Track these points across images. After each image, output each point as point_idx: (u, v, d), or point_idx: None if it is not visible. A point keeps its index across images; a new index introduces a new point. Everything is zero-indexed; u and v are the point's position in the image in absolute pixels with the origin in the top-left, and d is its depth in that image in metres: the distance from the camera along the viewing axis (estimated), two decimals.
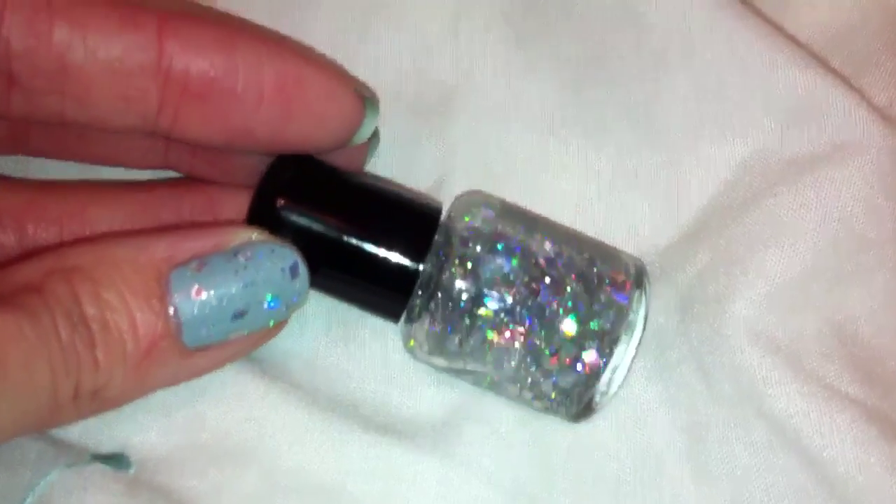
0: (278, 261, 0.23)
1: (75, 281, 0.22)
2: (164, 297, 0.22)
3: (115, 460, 0.27)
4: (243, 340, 0.24)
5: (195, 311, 0.22)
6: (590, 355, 0.25)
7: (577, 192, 0.29)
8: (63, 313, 0.21)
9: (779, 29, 0.29)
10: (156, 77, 0.23)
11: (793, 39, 0.29)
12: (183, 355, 0.23)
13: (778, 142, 0.28)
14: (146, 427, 0.26)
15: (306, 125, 0.25)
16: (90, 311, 0.22)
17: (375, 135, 0.28)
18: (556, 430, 0.28)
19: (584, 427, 0.28)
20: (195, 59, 0.23)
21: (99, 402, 0.23)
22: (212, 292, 0.22)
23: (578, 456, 0.28)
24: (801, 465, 0.26)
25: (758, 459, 0.27)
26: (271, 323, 0.24)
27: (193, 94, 0.23)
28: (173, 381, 0.24)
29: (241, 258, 0.23)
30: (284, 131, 0.24)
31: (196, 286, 0.22)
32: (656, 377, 0.28)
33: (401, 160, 0.29)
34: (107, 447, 0.26)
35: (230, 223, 0.24)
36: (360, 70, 0.28)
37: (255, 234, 0.23)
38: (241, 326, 0.23)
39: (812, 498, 0.26)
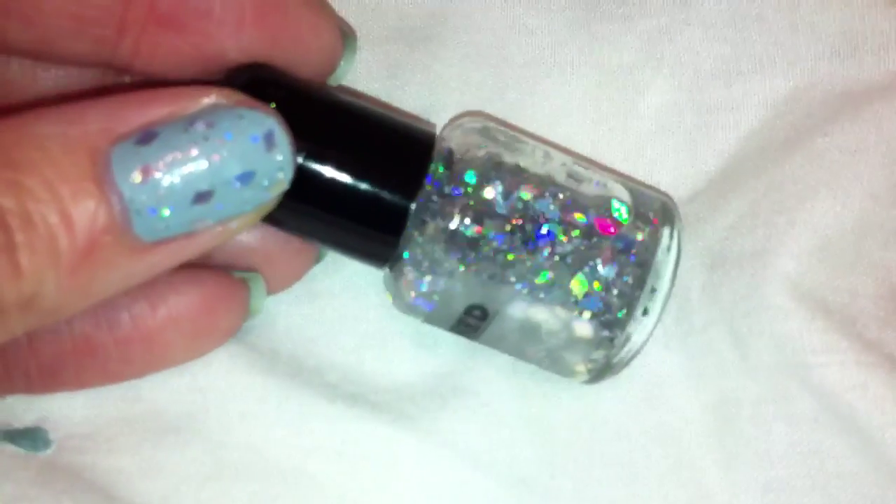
0: (249, 127, 0.20)
1: None
2: (102, 180, 0.19)
3: (31, 438, 0.25)
4: (213, 230, 0.21)
5: (145, 195, 0.19)
6: (614, 295, 0.24)
7: (586, 138, 0.28)
8: None
9: None
10: None
11: None
12: (134, 252, 0.20)
13: (828, 73, 0.27)
14: (70, 397, 0.25)
15: (286, 56, 0.23)
16: (6, 203, 0.18)
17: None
18: (558, 405, 0.27)
19: (589, 402, 0.27)
20: None
21: (33, 314, 0.19)
22: (165, 171, 0.19)
23: (583, 435, 0.26)
24: (854, 447, 0.25)
25: (800, 440, 0.25)
26: (248, 208, 0.21)
27: (162, 17, 0.22)
28: (127, 282, 0.20)
29: (200, 126, 0.19)
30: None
31: (144, 164, 0.19)
32: (676, 345, 0.27)
33: (380, 90, 0.28)
34: (23, 421, 0.25)
35: (188, 85, 0.21)
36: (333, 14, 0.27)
37: (219, 95, 0.20)
38: (207, 213, 0.20)
39: (865, 485, 0.25)
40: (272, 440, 0.25)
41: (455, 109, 0.28)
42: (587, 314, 0.24)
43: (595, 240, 0.24)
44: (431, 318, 0.25)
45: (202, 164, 0.19)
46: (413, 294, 0.24)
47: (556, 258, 0.23)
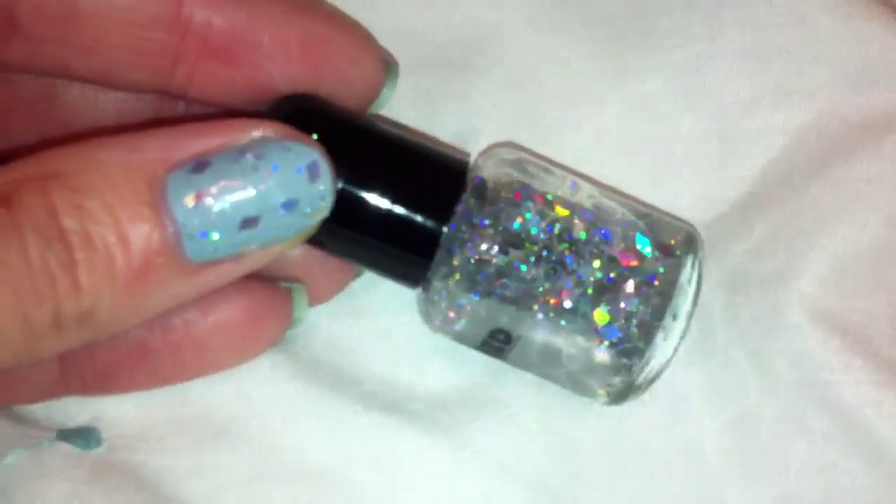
0: (294, 159, 0.20)
1: (51, 189, 0.19)
2: (157, 205, 0.19)
3: (84, 437, 0.25)
4: (257, 253, 0.21)
5: (196, 220, 0.20)
6: (634, 325, 0.24)
7: (615, 165, 0.28)
8: (34, 228, 0.19)
9: None
10: (174, 29, 0.22)
11: None
12: (185, 272, 0.20)
13: (848, 103, 0.27)
14: (122, 399, 0.25)
15: (330, 86, 0.24)
16: (69, 224, 0.19)
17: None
18: (583, 420, 0.26)
19: (613, 418, 0.26)
20: (218, 12, 0.22)
21: (89, 327, 0.20)
22: (216, 197, 0.20)
23: (607, 449, 0.26)
24: (869, 463, 0.25)
25: (817, 456, 0.25)
26: (291, 233, 0.21)
27: (214, 50, 0.22)
28: (177, 301, 0.21)
29: (250, 157, 0.20)
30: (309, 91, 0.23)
31: (197, 191, 0.20)
32: (698, 363, 0.27)
33: (418, 118, 0.28)
34: (77, 420, 0.25)
35: (240, 118, 0.22)
36: (380, 18, 0.27)
37: (270, 130, 0.21)
38: (253, 238, 0.20)
39: (880, 500, 0.25)
40: (312, 446, 0.25)
41: (489, 136, 0.28)
42: (606, 343, 0.24)
43: (618, 272, 0.24)
44: (459, 338, 0.25)
45: (250, 192, 0.20)
46: (441, 316, 0.25)
47: (579, 289, 0.24)
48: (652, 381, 0.25)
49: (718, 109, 0.27)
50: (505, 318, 0.24)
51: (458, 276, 0.24)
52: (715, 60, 0.27)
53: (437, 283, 0.24)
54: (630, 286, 0.24)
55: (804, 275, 0.25)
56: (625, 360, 0.24)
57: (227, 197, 0.20)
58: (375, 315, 0.27)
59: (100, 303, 0.19)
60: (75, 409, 0.25)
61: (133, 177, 0.19)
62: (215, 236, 0.20)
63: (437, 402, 0.26)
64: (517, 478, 0.26)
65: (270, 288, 0.25)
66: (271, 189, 0.20)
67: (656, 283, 0.24)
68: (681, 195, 0.28)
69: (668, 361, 0.25)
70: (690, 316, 0.24)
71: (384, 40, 0.27)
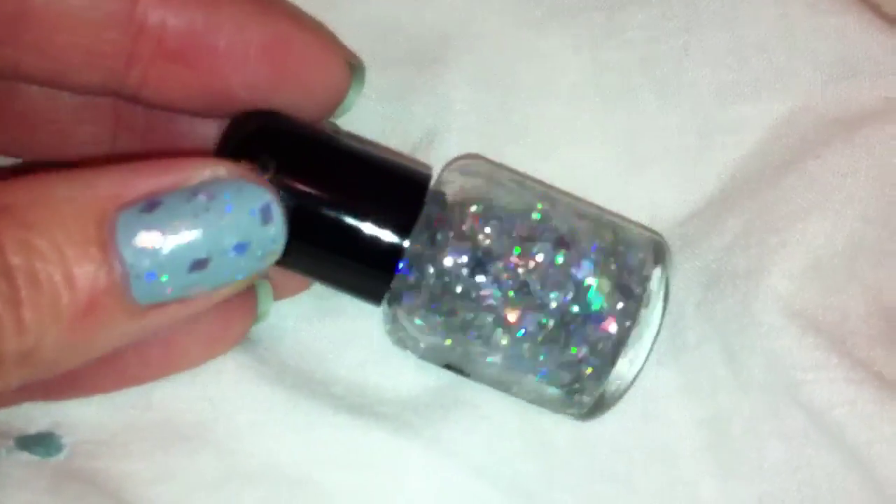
0: (247, 201, 0.20)
1: (0, 226, 0.19)
2: (106, 244, 0.19)
3: (44, 444, 0.25)
4: (206, 295, 0.21)
5: (145, 261, 0.19)
6: (603, 334, 0.23)
7: (589, 159, 0.28)
8: None
9: None
10: (127, 29, 0.21)
11: None
12: (131, 314, 0.20)
13: (821, 97, 0.26)
14: (83, 403, 0.25)
15: (292, 92, 0.23)
16: (15, 260, 0.19)
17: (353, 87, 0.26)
18: (556, 420, 0.26)
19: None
20: (173, 12, 0.22)
21: (31, 366, 0.20)
22: (165, 238, 0.20)
23: (582, 450, 0.26)
24: (843, 461, 0.24)
25: (791, 455, 0.25)
26: (241, 276, 0.21)
27: (169, 52, 0.22)
28: (123, 341, 0.21)
29: (201, 197, 0.20)
30: (268, 97, 0.23)
31: (146, 231, 0.20)
32: (671, 361, 0.26)
33: (386, 113, 0.28)
34: (38, 426, 0.25)
35: (194, 156, 0.21)
36: (351, 12, 0.27)
37: (223, 170, 0.21)
38: (203, 280, 0.20)
39: (854, 500, 0.25)
40: (280, 449, 0.25)
41: (461, 131, 0.28)
42: (554, 388, 0.24)
43: (571, 316, 0.23)
44: (424, 357, 0.25)
45: (201, 234, 0.20)
46: (402, 336, 0.25)
47: (532, 328, 0.23)
48: (623, 393, 0.25)
49: (695, 103, 0.27)
50: (454, 356, 0.24)
51: (418, 294, 0.24)
52: (691, 54, 0.27)
53: (397, 302, 0.24)
54: (583, 332, 0.23)
55: (777, 271, 0.25)
56: (577, 397, 0.24)
57: (178, 238, 0.20)
58: (343, 316, 0.27)
59: (43, 341, 0.19)
60: (36, 415, 0.25)
61: (83, 214, 0.19)
62: (164, 278, 0.20)
63: (407, 404, 0.26)
64: (490, 479, 0.25)
65: None
66: (223, 231, 0.20)
67: (611, 329, 0.23)
68: (656, 190, 0.28)
69: (636, 376, 0.25)
70: (659, 327, 0.24)
71: (354, 34, 0.27)
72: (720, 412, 0.26)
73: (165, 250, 0.20)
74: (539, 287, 0.23)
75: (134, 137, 0.26)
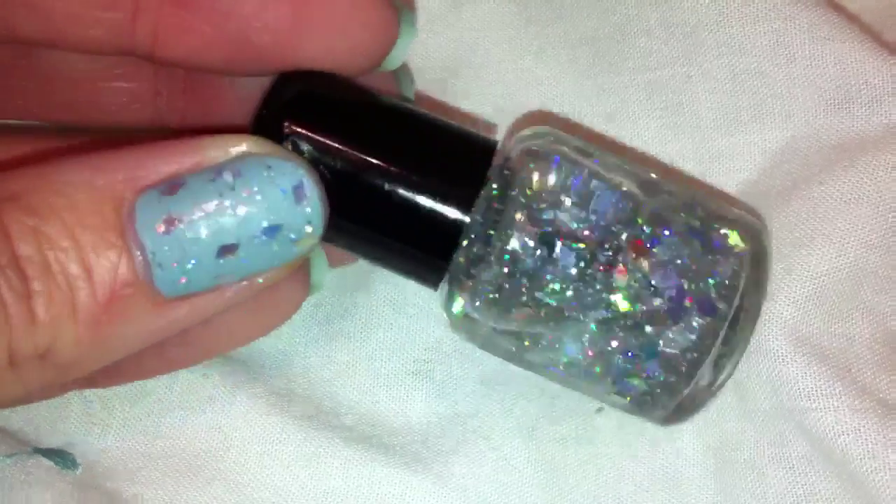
0: (278, 179, 0.18)
1: (5, 211, 0.17)
2: (125, 231, 0.18)
3: (61, 456, 0.25)
4: (238, 286, 0.19)
5: (168, 247, 0.18)
6: (690, 329, 0.21)
7: None
8: None
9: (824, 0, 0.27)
10: None
11: (839, 10, 0.27)
12: (156, 306, 0.18)
13: (823, 124, 0.26)
14: (93, 429, 0.25)
15: (324, 37, 0.21)
16: (24, 250, 0.17)
17: (407, 72, 0.24)
18: (565, 448, 0.26)
19: (595, 445, 0.26)
20: None
21: (52, 368, 0.18)
22: (189, 222, 0.18)
23: (590, 477, 0.26)
24: (846, 489, 0.24)
25: (795, 483, 0.25)
26: (276, 263, 0.19)
27: None
28: (150, 339, 0.19)
29: (226, 176, 0.18)
30: (297, 44, 0.20)
31: (168, 215, 0.18)
32: None
33: None
34: (49, 444, 0.25)
35: (217, 134, 0.19)
36: None
37: (247, 145, 0.18)
38: (232, 268, 0.18)
39: None
40: (290, 480, 0.25)
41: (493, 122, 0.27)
42: (628, 398, 0.22)
43: (651, 320, 0.21)
44: (484, 348, 0.23)
45: (228, 216, 0.18)
46: (463, 318, 0.22)
47: (604, 336, 0.21)
48: (706, 402, 0.23)
49: (696, 129, 0.27)
50: (514, 356, 0.22)
51: (482, 275, 0.21)
52: (692, 81, 0.27)
53: (461, 284, 0.21)
54: (660, 344, 0.21)
55: (782, 298, 0.25)
56: (648, 408, 0.22)
57: (202, 222, 0.18)
58: (352, 340, 0.27)
59: (60, 340, 0.17)
60: (45, 433, 0.25)
61: (98, 199, 0.17)
62: (189, 266, 0.18)
63: (416, 435, 0.26)
64: None
65: None
66: (251, 213, 0.18)
67: (689, 346, 0.21)
68: None
69: (725, 380, 0.22)
70: (749, 335, 0.22)
71: None
72: (727, 439, 0.26)
73: (189, 235, 0.18)
74: (612, 289, 0.21)
75: (175, 95, 0.23)
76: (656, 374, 0.21)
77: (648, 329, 0.21)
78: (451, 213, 0.20)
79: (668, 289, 0.21)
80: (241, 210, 0.18)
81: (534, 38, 0.28)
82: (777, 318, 0.25)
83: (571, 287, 0.21)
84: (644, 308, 0.21)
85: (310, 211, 0.18)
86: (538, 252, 0.20)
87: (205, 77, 0.23)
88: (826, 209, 0.25)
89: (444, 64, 0.28)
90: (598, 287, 0.21)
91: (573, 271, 0.21)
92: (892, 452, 0.23)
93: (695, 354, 0.21)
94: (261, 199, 0.18)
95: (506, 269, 0.21)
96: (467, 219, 0.20)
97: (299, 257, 0.19)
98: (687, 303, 0.21)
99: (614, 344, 0.21)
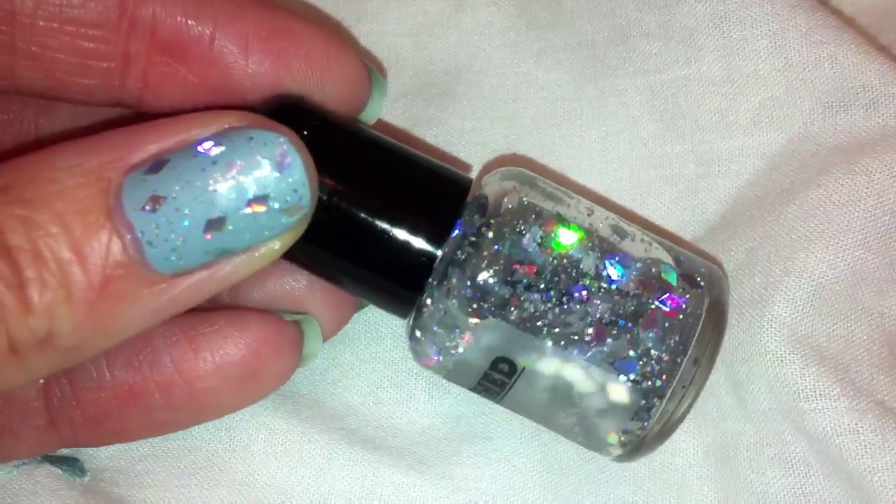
0: (259, 149, 0.18)
1: None
2: (113, 212, 0.18)
3: (69, 463, 0.25)
4: (235, 260, 0.19)
5: (155, 225, 0.18)
6: (654, 361, 0.22)
7: (592, 186, 0.28)
8: None
9: (820, 3, 0.27)
10: (119, 26, 0.20)
11: (836, 14, 0.27)
12: (151, 285, 0.18)
13: (821, 127, 0.27)
14: None
15: (302, 86, 0.22)
16: (15, 239, 0.17)
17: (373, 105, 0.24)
18: (567, 448, 0.26)
19: None
20: (163, 5, 0.20)
21: (54, 353, 0.18)
22: (174, 199, 0.18)
23: (592, 477, 0.26)
24: (844, 489, 0.25)
25: (793, 483, 0.25)
26: (266, 234, 0.19)
27: (163, 44, 0.20)
28: (151, 318, 0.19)
29: (209, 151, 0.18)
30: (276, 91, 0.21)
31: (153, 193, 0.18)
32: None
33: None
34: (60, 451, 0.25)
35: (201, 111, 0.19)
36: (361, 46, 0.27)
37: (228, 119, 0.19)
38: (223, 241, 0.18)
39: None
40: (295, 482, 0.25)
41: (468, 162, 0.28)
42: (623, 378, 0.22)
43: (637, 301, 0.21)
44: (455, 373, 0.23)
45: (212, 191, 0.18)
46: (437, 346, 0.22)
47: (593, 317, 0.21)
48: (667, 433, 0.23)
49: (695, 132, 0.27)
50: (508, 345, 0.22)
51: (455, 302, 0.21)
52: (692, 84, 0.27)
53: (432, 307, 0.22)
54: (651, 317, 0.21)
55: (780, 300, 0.25)
56: (643, 402, 0.22)
57: (188, 197, 0.18)
58: (357, 343, 0.27)
59: (59, 324, 0.18)
60: None
61: (86, 183, 0.18)
62: (178, 242, 0.18)
63: (420, 436, 0.26)
64: None
65: (272, 321, 0.23)
66: (235, 185, 0.18)
67: (680, 317, 0.22)
68: (659, 218, 0.28)
69: (685, 415, 0.23)
70: (711, 365, 0.23)
71: None
72: (726, 439, 0.26)
73: (176, 212, 0.18)
74: (595, 285, 0.21)
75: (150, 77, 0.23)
76: (652, 344, 0.22)
77: (634, 307, 0.21)
78: (423, 246, 0.21)
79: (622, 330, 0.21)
80: (225, 183, 0.18)
81: (534, 42, 0.28)
82: (776, 319, 0.25)
83: (551, 292, 0.21)
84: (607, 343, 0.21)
85: (294, 179, 0.19)
86: (504, 289, 0.21)
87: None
88: (824, 211, 0.25)
89: (446, 68, 0.28)
90: (570, 295, 0.21)
91: (543, 287, 0.21)
92: (889, 453, 0.24)
93: (682, 331, 0.22)
94: (244, 170, 0.18)
95: (473, 301, 0.21)
96: (439, 253, 0.21)
97: (293, 228, 0.19)
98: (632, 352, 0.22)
99: (607, 321, 0.22)
